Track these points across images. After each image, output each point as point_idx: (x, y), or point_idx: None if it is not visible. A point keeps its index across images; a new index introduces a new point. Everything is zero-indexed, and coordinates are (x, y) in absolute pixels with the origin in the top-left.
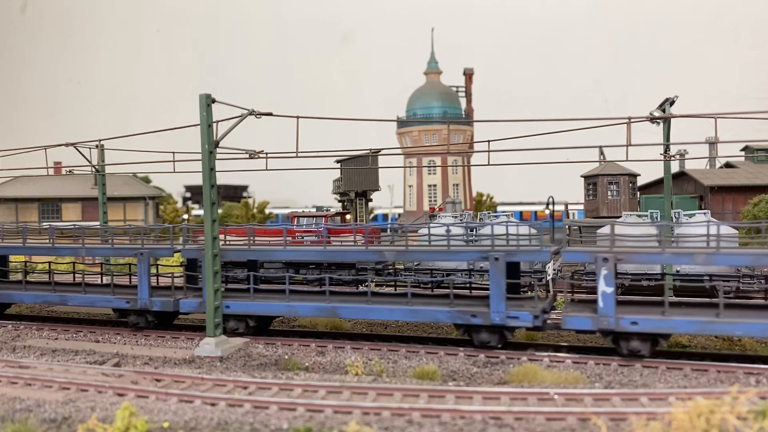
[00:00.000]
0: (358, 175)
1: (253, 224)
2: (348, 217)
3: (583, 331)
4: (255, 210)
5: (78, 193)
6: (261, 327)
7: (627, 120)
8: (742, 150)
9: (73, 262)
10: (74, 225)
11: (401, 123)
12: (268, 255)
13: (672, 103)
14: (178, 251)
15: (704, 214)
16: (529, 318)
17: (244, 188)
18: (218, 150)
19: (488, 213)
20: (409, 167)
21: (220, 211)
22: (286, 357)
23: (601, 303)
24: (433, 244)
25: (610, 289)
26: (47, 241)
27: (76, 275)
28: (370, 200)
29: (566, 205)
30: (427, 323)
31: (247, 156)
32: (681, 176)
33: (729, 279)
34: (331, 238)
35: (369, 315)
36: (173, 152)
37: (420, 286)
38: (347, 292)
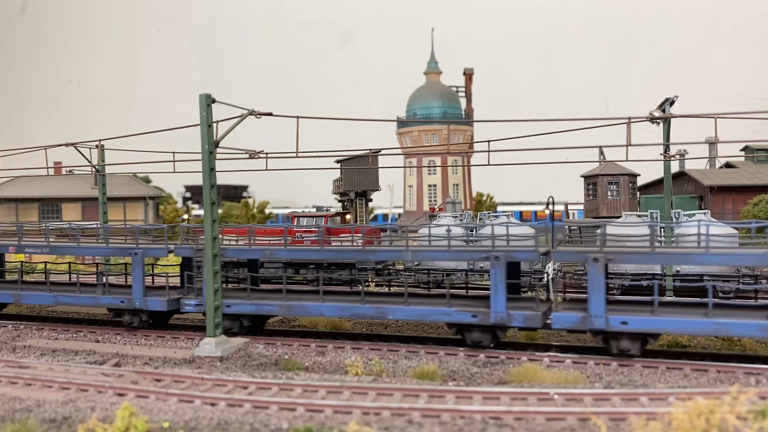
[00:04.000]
0: (358, 175)
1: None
2: (348, 217)
3: None
4: (255, 210)
5: (78, 193)
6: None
7: (627, 120)
8: (742, 150)
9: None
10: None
11: (401, 123)
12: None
13: (672, 103)
14: (546, 253)
15: (704, 214)
16: None
17: (244, 188)
18: (218, 150)
19: (488, 213)
20: (409, 167)
21: (220, 211)
22: (286, 357)
23: None
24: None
25: None
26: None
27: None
28: (370, 200)
29: (566, 205)
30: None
31: (247, 156)
32: (681, 176)
33: (728, 279)
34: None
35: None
36: (173, 152)
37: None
38: (729, 304)
